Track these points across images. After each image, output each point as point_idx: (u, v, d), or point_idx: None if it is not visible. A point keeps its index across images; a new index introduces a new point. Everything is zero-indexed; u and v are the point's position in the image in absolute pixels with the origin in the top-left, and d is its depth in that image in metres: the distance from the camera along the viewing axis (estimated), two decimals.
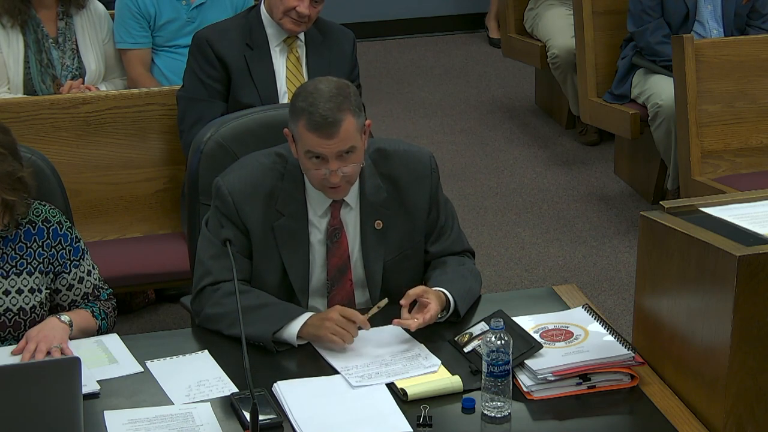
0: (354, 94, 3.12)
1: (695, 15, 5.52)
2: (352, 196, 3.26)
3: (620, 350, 2.97)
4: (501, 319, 2.85)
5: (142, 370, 3.03)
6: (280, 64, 4.33)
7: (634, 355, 2.97)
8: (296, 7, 4.22)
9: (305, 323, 3.10)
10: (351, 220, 3.27)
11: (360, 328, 3.10)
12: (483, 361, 2.82)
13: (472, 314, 3.26)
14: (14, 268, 3.22)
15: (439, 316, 3.18)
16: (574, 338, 3.05)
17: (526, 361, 2.94)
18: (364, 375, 2.96)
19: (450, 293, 3.20)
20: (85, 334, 3.22)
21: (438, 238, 3.36)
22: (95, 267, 3.36)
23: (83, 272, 3.31)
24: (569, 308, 3.25)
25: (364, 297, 3.32)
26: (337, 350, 3.07)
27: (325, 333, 3.06)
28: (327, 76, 3.18)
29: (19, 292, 3.22)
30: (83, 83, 4.74)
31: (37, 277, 3.24)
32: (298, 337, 3.10)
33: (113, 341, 3.16)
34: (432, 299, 3.14)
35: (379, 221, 3.28)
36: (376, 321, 3.19)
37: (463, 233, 3.43)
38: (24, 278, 3.23)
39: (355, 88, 3.16)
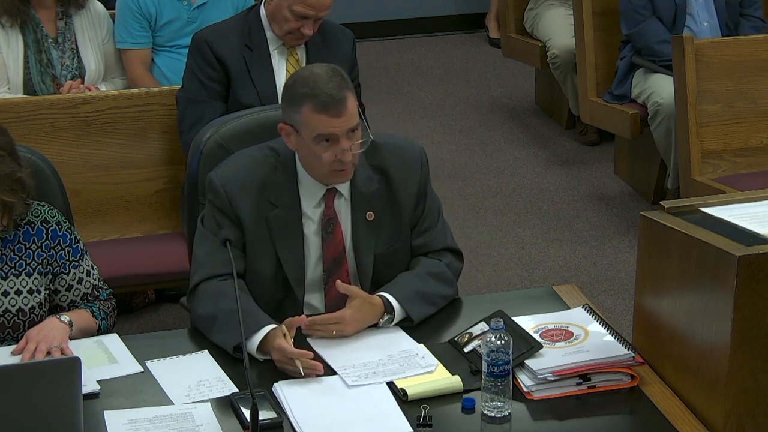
0: (347, 75, 3.16)
1: (685, 8, 5.52)
2: (344, 187, 3.26)
3: (620, 350, 2.97)
4: (501, 319, 2.85)
5: (142, 370, 3.03)
6: (279, 65, 4.32)
7: (634, 355, 2.97)
8: (300, 28, 4.22)
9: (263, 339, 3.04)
10: (343, 210, 3.28)
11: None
12: (483, 361, 2.81)
13: (472, 314, 3.25)
14: (13, 269, 3.21)
15: (383, 319, 3.16)
16: (574, 338, 3.04)
17: (526, 361, 2.94)
18: (361, 375, 2.96)
19: (392, 296, 3.18)
20: (85, 334, 3.22)
21: (420, 233, 3.34)
22: (95, 267, 3.36)
23: (82, 273, 3.31)
24: (569, 308, 3.25)
25: None
26: (335, 350, 3.07)
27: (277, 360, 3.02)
28: (317, 63, 3.21)
29: (18, 293, 3.22)
30: (83, 83, 4.74)
31: (36, 278, 3.24)
32: (259, 350, 3.04)
33: (113, 341, 3.16)
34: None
35: (371, 213, 3.27)
36: None
37: (450, 230, 3.40)
38: (23, 279, 3.22)
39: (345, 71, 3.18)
